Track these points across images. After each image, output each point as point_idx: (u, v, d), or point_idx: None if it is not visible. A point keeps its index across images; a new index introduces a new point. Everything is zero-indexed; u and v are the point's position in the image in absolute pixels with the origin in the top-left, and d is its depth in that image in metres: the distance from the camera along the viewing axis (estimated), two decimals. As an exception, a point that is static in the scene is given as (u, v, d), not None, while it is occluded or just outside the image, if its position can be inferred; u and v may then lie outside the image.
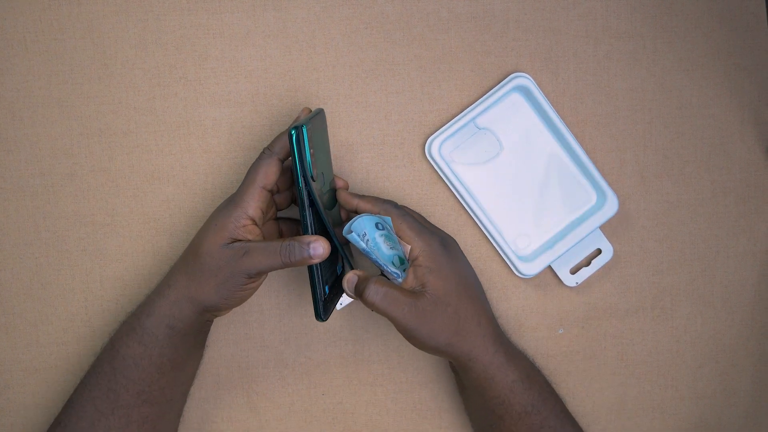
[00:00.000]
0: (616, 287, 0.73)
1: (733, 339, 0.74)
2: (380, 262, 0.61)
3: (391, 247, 0.62)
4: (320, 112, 0.63)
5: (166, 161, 0.70)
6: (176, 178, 0.70)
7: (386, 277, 0.62)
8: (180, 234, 0.70)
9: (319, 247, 0.58)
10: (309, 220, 0.59)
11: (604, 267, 0.73)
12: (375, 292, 0.60)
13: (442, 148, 0.71)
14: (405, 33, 0.71)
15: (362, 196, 0.64)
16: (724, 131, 0.74)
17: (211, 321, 0.66)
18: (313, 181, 0.59)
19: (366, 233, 0.60)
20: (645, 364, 0.74)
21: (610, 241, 0.72)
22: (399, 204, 0.66)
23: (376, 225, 0.61)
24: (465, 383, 0.66)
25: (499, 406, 0.64)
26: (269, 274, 0.70)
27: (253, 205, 0.60)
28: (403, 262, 0.62)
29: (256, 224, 0.61)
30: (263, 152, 0.61)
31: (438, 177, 0.72)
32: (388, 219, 0.63)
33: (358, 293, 0.61)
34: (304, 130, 0.57)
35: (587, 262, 0.73)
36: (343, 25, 0.71)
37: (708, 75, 0.73)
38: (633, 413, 0.74)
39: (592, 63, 0.72)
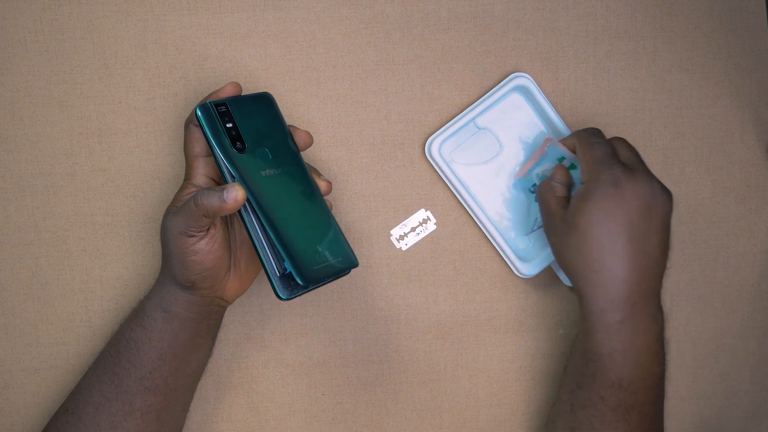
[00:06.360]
0: (616, 287, 0.73)
1: (733, 339, 0.74)
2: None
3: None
4: (263, 95, 0.64)
5: (166, 161, 0.70)
6: (176, 178, 0.70)
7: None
8: (180, 234, 0.70)
9: (232, 191, 0.57)
10: (228, 178, 0.60)
11: (604, 267, 0.73)
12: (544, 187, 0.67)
13: (442, 148, 0.71)
14: (405, 33, 0.71)
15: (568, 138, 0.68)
16: (724, 131, 0.74)
17: (217, 311, 0.65)
18: (239, 151, 0.60)
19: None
20: (645, 364, 0.74)
21: (610, 241, 0.72)
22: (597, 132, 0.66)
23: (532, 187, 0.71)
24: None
25: (592, 363, 0.63)
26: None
27: (196, 173, 0.62)
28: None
29: None
30: (185, 126, 0.63)
31: (438, 177, 0.72)
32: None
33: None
34: (209, 103, 0.60)
35: (587, 262, 0.73)
36: (343, 25, 0.71)
37: (708, 75, 0.73)
38: (633, 413, 0.74)
39: (592, 63, 0.72)
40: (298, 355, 0.72)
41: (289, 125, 0.64)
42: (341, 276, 0.61)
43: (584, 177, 0.63)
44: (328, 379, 0.72)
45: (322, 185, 0.63)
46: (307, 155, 0.71)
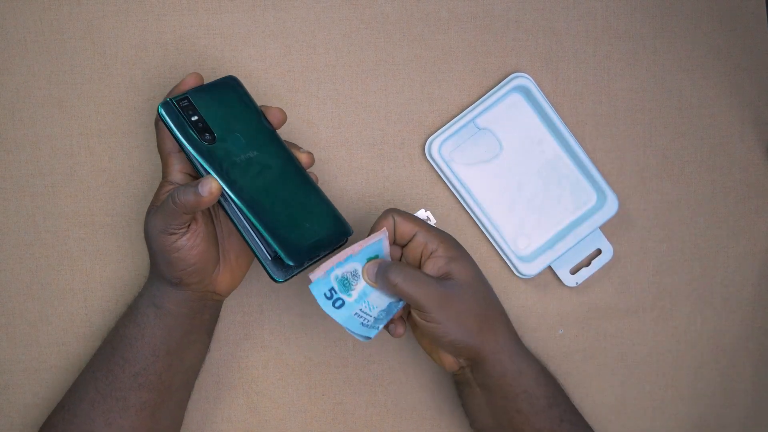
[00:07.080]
0: (616, 287, 0.73)
1: (733, 339, 0.74)
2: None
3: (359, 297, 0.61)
4: (227, 80, 0.63)
5: (166, 161, 0.70)
6: (176, 178, 0.70)
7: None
8: (180, 234, 0.70)
9: (206, 184, 0.56)
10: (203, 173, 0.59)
11: (604, 267, 0.73)
12: (398, 272, 0.59)
13: (442, 148, 0.71)
14: (405, 33, 0.71)
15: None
16: (724, 131, 0.74)
17: (211, 305, 0.65)
18: (209, 142, 0.59)
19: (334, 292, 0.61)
20: (645, 364, 0.74)
21: (610, 241, 0.72)
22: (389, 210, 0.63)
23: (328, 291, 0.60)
24: (482, 382, 0.64)
25: (524, 401, 0.63)
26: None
27: (172, 170, 0.61)
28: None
29: None
30: (155, 124, 0.63)
31: (438, 177, 0.72)
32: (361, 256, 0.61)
33: (380, 278, 0.60)
34: (170, 100, 0.59)
35: (587, 262, 0.73)
36: (343, 25, 0.71)
37: (708, 75, 0.73)
38: (633, 413, 0.74)
39: (592, 63, 0.72)
40: (298, 355, 0.72)
41: (260, 105, 0.63)
42: (338, 247, 0.61)
43: (434, 243, 0.61)
44: (328, 379, 0.72)
45: (302, 158, 0.62)
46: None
